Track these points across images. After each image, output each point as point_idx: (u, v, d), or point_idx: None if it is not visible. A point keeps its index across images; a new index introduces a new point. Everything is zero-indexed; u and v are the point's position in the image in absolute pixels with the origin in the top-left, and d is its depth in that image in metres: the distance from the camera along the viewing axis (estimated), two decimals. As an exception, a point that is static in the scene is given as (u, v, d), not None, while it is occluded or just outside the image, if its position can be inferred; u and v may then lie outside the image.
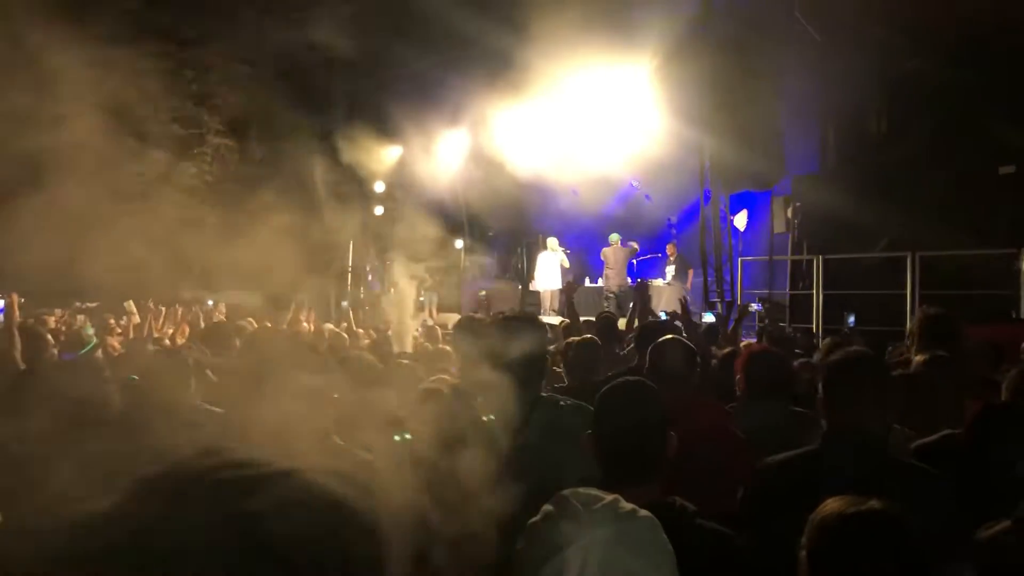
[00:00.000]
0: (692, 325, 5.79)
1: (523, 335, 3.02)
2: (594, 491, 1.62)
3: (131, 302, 10.54)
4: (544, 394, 3.08)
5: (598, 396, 2.50)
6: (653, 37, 12.97)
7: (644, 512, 1.61)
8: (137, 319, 8.35)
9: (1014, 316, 10.02)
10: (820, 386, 2.76)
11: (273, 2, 19.24)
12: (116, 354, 6.57)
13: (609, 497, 1.59)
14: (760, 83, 14.52)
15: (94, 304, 19.92)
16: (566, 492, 1.60)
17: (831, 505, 1.94)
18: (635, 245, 16.22)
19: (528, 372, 3.01)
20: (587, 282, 17.91)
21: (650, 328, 4.73)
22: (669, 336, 3.79)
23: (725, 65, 13.69)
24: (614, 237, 16.30)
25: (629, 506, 1.59)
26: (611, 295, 15.86)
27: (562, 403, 3.02)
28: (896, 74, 14.23)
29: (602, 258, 16.40)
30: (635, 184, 15.75)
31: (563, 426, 2.88)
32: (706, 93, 13.07)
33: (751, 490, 2.80)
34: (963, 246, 10.61)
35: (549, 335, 5.15)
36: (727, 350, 4.57)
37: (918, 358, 3.69)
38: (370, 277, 19.64)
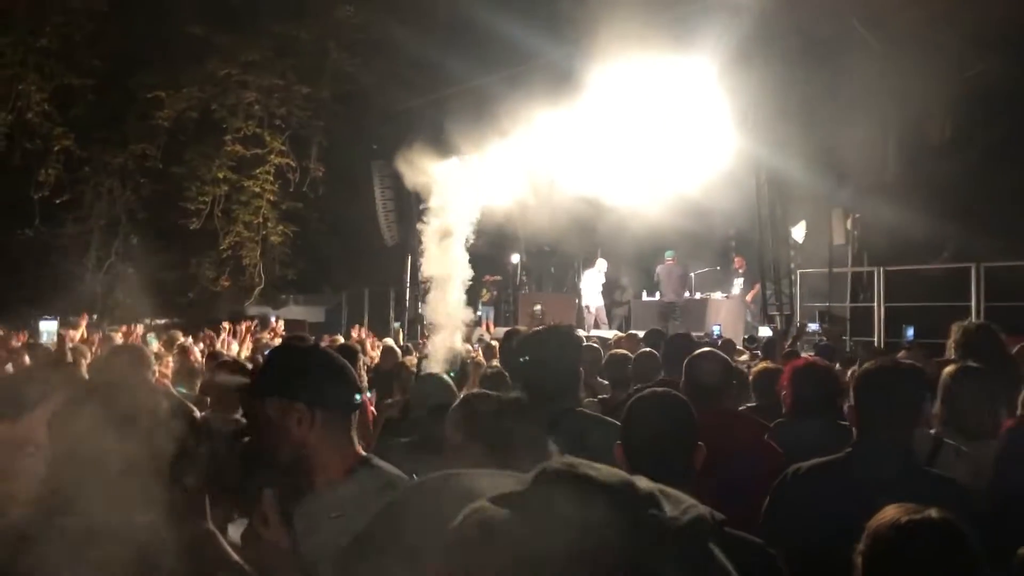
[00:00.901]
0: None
1: (551, 348, 3.03)
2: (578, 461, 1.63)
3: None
4: (576, 408, 3.04)
5: (627, 405, 2.53)
6: (711, 51, 12.89)
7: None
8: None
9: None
10: (851, 396, 2.77)
11: (334, 25, 19.63)
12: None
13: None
14: (819, 93, 14.34)
15: (162, 321, 20.52)
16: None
17: (889, 513, 1.95)
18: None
19: (553, 385, 3.00)
20: (644, 296, 17.84)
21: (679, 341, 4.71)
22: (705, 349, 3.78)
23: (784, 76, 13.57)
24: (669, 254, 16.26)
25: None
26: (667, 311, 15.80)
27: (590, 419, 2.98)
28: (959, 81, 13.91)
29: (656, 276, 16.40)
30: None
31: (587, 443, 2.83)
32: (765, 104, 12.95)
33: (775, 497, 2.80)
34: (1030, 256, 10.34)
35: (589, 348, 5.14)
36: (762, 366, 4.52)
37: (947, 369, 3.63)
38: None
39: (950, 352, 4.34)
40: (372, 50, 20.03)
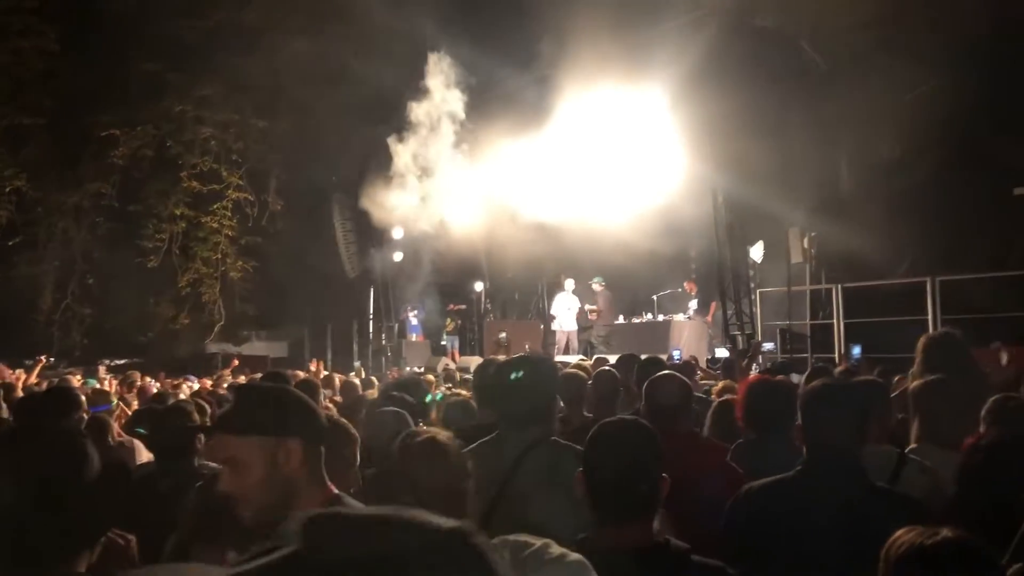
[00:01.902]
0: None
1: (526, 375, 3.00)
2: (525, 537, 1.62)
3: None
4: (550, 438, 2.99)
5: (591, 433, 2.50)
6: (663, 78, 13.08)
7: (574, 556, 1.61)
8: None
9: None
10: (799, 414, 2.80)
11: (288, 59, 19.60)
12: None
13: (538, 543, 1.59)
14: (771, 115, 14.57)
15: (121, 362, 20.21)
16: (497, 540, 1.60)
17: (904, 538, 1.92)
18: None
19: (526, 414, 2.97)
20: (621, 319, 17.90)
21: (650, 365, 4.71)
22: (664, 372, 3.78)
23: (736, 98, 13.78)
24: (598, 280, 16.43)
25: (558, 551, 1.59)
26: (600, 337, 16.06)
27: (564, 448, 2.95)
28: (907, 100, 14.22)
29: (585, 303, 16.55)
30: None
31: (560, 472, 2.78)
32: (719, 127, 13.13)
33: (731, 516, 2.80)
34: (981, 269, 10.52)
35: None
36: (723, 384, 4.54)
37: (917, 383, 3.67)
38: (414, 320, 19.69)
39: (918, 364, 4.39)
40: (328, 81, 20.03)
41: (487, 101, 16.40)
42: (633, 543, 2.26)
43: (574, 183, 16.57)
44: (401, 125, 17.98)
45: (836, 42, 14.77)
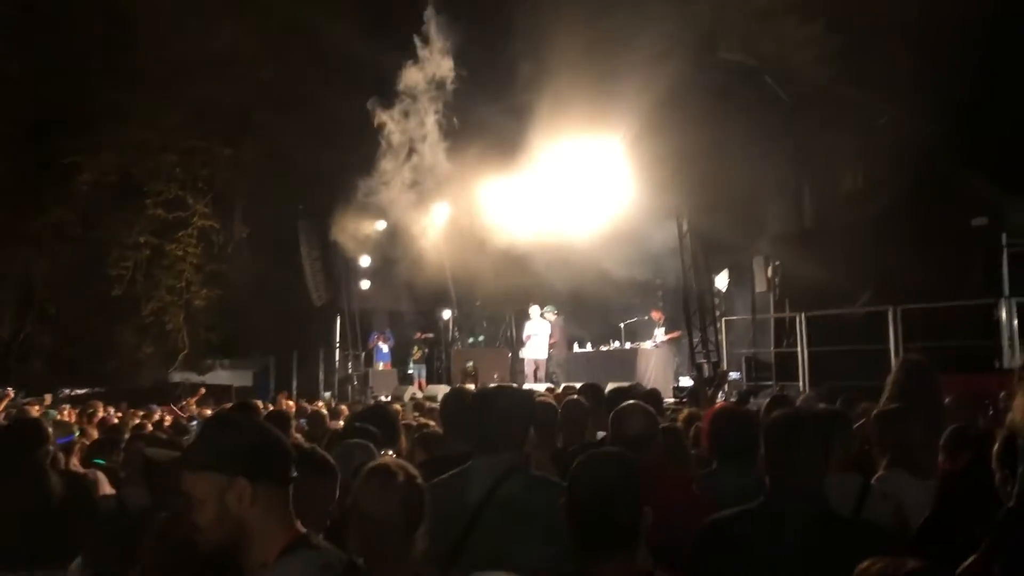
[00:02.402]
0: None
1: (495, 406, 2.99)
2: (496, 574, 1.61)
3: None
4: (522, 468, 2.97)
5: (574, 464, 2.51)
6: (629, 109, 13.23)
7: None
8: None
9: (997, 366, 10.05)
10: (762, 445, 2.82)
11: (256, 86, 19.58)
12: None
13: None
14: (736, 146, 14.79)
15: (82, 391, 19.87)
16: None
17: (871, 569, 1.92)
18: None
19: (501, 441, 2.96)
20: (576, 348, 17.93)
21: (619, 394, 4.73)
22: (630, 402, 3.80)
23: (701, 129, 13.97)
24: (550, 309, 16.50)
25: None
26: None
27: (536, 479, 2.93)
28: (867, 132, 14.50)
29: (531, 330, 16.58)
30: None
31: (531, 504, 2.78)
32: (683, 158, 13.30)
33: (695, 549, 2.81)
34: (942, 298, 10.68)
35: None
36: (688, 412, 4.56)
37: (879, 411, 3.72)
38: (384, 348, 19.55)
39: (888, 391, 4.44)
40: (296, 110, 20.01)
41: (456, 128, 16.44)
42: (617, 575, 2.28)
43: (542, 211, 16.66)
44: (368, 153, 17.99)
45: (798, 76, 15.06)
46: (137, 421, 9.67)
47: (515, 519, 2.77)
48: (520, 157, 15.88)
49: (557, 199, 16.21)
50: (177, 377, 21.73)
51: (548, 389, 10.96)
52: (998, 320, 10.18)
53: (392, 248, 20.06)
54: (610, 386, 7.93)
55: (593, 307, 17.98)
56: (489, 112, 15.85)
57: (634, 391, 6.31)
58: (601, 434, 4.60)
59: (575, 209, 15.91)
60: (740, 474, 3.58)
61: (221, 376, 23.24)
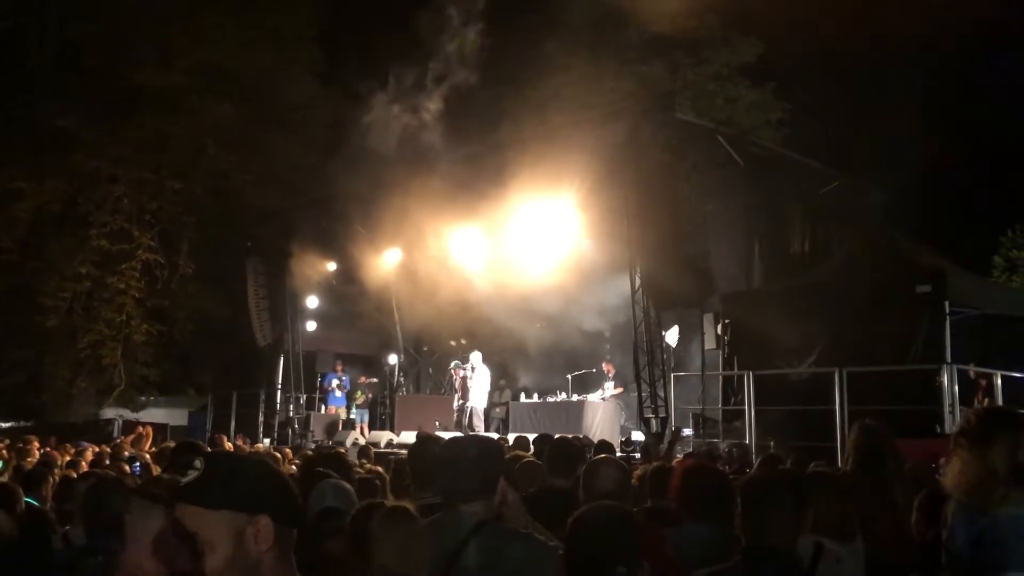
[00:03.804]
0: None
1: (467, 455, 2.93)
2: None
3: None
4: (494, 520, 2.90)
5: (573, 518, 2.53)
6: (584, 162, 13.39)
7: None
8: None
9: (939, 431, 10.24)
10: (739, 504, 2.87)
11: (210, 123, 19.44)
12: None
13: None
14: (688, 204, 15.05)
15: (7, 425, 19.15)
16: None
17: None
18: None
19: (473, 490, 2.89)
20: (523, 398, 17.86)
21: (563, 445, 4.67)
22: (603, 456, 3.77)
23: (655, 188, 14.19)
24: (477, 355, 16.50)
25: None
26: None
27: (509, 532, 2.86)
28: (815, 196, 14.91)
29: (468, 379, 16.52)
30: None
31: (506, 556, 2.72)
32: (633, 217, 13.47)
33: None
34: (886, 362, 10.89)
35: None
36: (656, 465, 4.53)
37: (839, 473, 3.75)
38: (338, 393, 19.18)
39: (848, 455, 4.47)
40: (250, 148, 19.89)
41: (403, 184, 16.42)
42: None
43: (494, 261, 16.71)
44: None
45: (748, 139, 15.47)
46: (69, 458, 9.34)
47: (489, 572, 2.71)
48: (474, 206, 15.94)
49: (510, 249, 16.28)
50: (110, 413, 21.09)
51: (499, 439, 10.85)
52: (940, 386, 10.40)
53: (341, 290, 19.90)
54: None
55: (540, 357, 17.96)
56: (444, 161, 15.91)
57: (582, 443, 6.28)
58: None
59: (527, 259, 15.98)
60: (711, 531, 3.57)
61: (155, 414, 22.59)
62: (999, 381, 11.03)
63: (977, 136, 19.20)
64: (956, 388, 10.50)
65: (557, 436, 7.87)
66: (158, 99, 18.75)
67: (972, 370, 11.03)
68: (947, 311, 10.81)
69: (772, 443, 9.71)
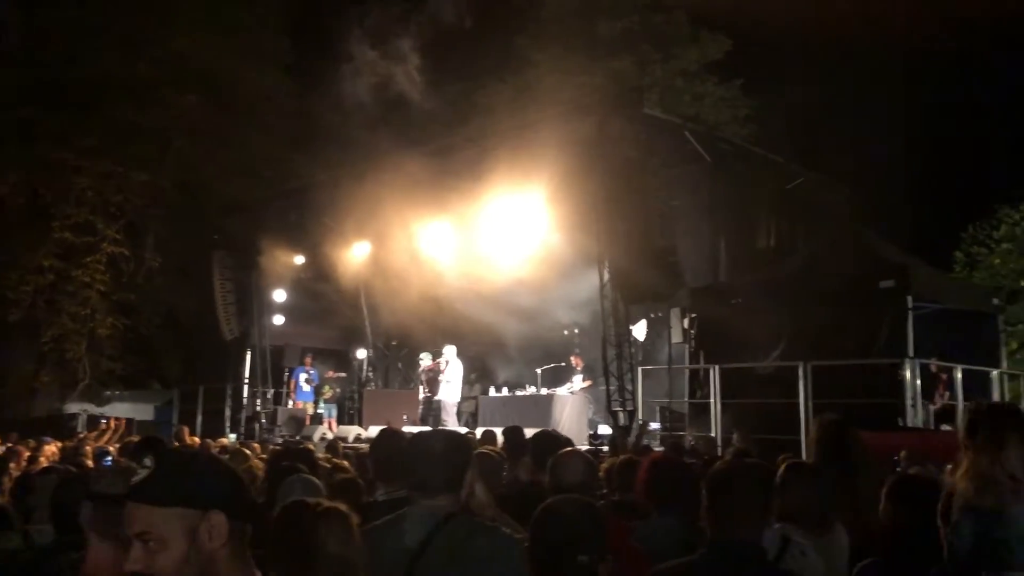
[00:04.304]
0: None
1: (434, 449, 2.94)
2: None
3: None
4: (461, 513, 2.91)
5: (538, 510, 2.53)
6: (554, 156, 13.42)
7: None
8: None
9: (901, 424, 10.41)
10: (704, 496, 2.88)
11: (178, 114, 19.23)
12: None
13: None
14: (654, 200, 15.16)
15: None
16: None
17: None
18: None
19: (441, 484, 2.90)
20: (492, 391, 17.86)
21: (546, 438, 4.69)
22: (569, 449, 3.79)
23: (624, 182, 14.26)
24: (451, 349, 16.53)
25: None
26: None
27: (476, 524, 2.88)
28: (781, 192, 15.06)
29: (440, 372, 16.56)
30: None
31: (471, 549, 2.73)
32: (602, 212, 13.54)
33: None
34: (849, 356, 11.03)
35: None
36: (624, 458, 4.57)
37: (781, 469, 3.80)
38: (306, 388, 19.03)
39: (811, 447, 4.55)
40: (217, 140, 19.70)
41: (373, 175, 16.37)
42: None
43: (464, 254, 16.71)
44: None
45: (715, 135, 15.59)
46: (28, 453, 9.20)
47: (454, 565, 2.72)
48: (444, 200, 15.92)
49: (480, 243, 16.29)
50: (74, 408, 20.82)
51: (467, 433, 10.87)
52: (902, 380, 10.55)
53: (309, 284, 19.79)
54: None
55: (510, 351, 17.99)
56: (413, 154, 15.87)
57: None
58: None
59: (497, 253, 16.00)
60: (679, 523, 3.61)
61: (120, 409, 22.31)
62: (960, 375, 11.23)
63: (939, 133, 19.49)
64: (918, 382, 10.67)
65: (540, 429, 7.92)
66: (124, 89, 18.47)
67: (934, 364, 11.21)
68: (910, 306, 10.96)
69: (735, 436, 9.77)
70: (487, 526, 2.83)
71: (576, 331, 17.73)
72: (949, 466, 4.84)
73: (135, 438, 8.55)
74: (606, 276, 13.50)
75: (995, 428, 3.12)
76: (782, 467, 3.92)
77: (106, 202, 19.50)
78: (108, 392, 21.67)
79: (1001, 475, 3.04)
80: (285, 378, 19.98)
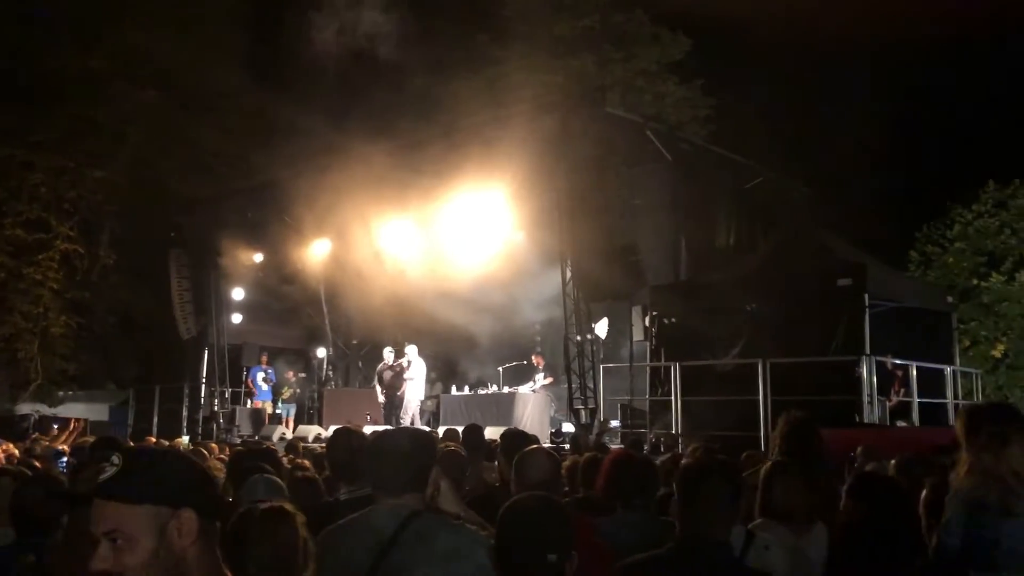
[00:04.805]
0: None
1: (398, 447, 2.90)
2: None
3: None
4: (426, 510, 2.89)
5: (503, 508, 2.52)
6: (516, 154, 13.41)
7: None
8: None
9: (858, 420, 10.55)
10: (676, 491, 2.88)
11: (133, 109, 18.90)
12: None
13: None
14: (616, 199, 15.21)
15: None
16: None
17: None
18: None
19: (405, 482, 2.87)
20: (454, 390, 17.79)
21: (515, 436, 4.69)
22: (533, 446, 3.78)
23: (586, 179, 14.31)
24: (412, 348, 16.42)
25: None
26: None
27: (441, 522, 2.85)
28: (740, 191, 15.21)
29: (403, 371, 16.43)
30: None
31: (437, 547, 2.69)
32: (564, 210, 13.57)
33: None
34: (808, 354, 11.16)
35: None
36: (588, 456, 4.58)
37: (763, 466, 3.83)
38: (265, 387, 18.78)
39: (775, 443, 4.59)
40: (173, 136, 19.39)
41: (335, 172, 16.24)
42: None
43: (425, 252, 16.63)
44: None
45: (676, 135, 15.69)
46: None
47: (420, 564, 2.69)
48: (405, 198, 15.85)
49: (442, 241, 16.23)
50: (25, 408, 20.39)
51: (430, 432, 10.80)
52: (859, 377, 10.70)
53: (268, 282, 19.57)
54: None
55: (473, 350, 17.94)
56: (374, 152, 15.77)
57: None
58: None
59: (458, 251, 15.95)
60: (642, 519, 3.61)
61: (74, 409, 21.89)
62: (915, 372, 11.42)
63: (894, 133, 19.79)
64: (875, 379, 10.83)
65: (507, 427, 7.90)
66: (78, 83, 18.10)
67: (889, 361, 11.38)
68: (867, 304, 11.12)
69: (691, 433, 9.87)
70: (452, 524, 2.81)
71: (538, 328, 17.74)
72: (892, 461, 4.93)
73: (89, 439, 8.37)
74: (568, 274, 13.53)
75: (998, 426, 3.15)
76: (768, 465, 3.94)
77: (59, 198, 19.12)
78: (61, 392, 21.25)
79: (1006, 472, 3.08)
80: (244, 377, 19.74)
